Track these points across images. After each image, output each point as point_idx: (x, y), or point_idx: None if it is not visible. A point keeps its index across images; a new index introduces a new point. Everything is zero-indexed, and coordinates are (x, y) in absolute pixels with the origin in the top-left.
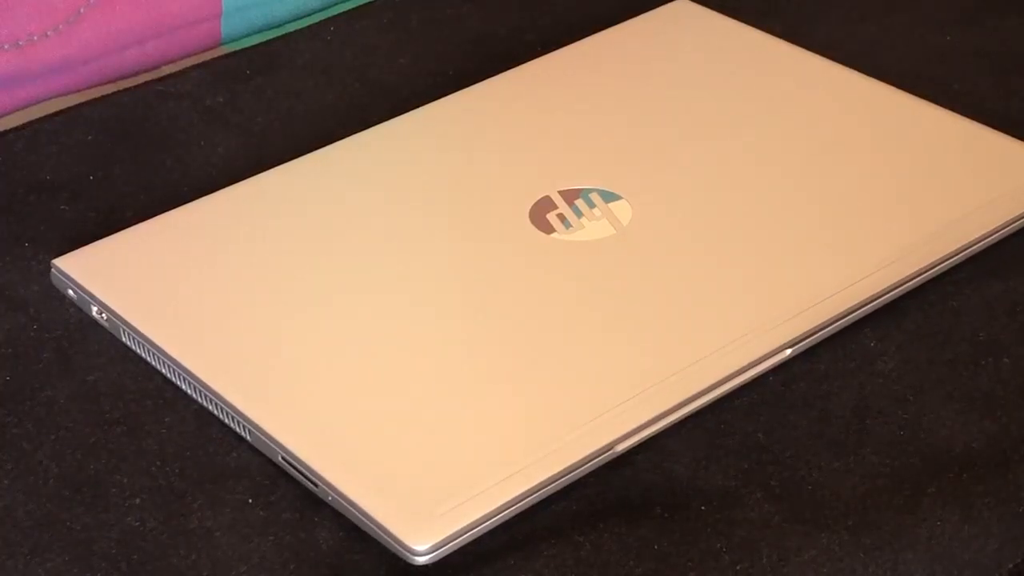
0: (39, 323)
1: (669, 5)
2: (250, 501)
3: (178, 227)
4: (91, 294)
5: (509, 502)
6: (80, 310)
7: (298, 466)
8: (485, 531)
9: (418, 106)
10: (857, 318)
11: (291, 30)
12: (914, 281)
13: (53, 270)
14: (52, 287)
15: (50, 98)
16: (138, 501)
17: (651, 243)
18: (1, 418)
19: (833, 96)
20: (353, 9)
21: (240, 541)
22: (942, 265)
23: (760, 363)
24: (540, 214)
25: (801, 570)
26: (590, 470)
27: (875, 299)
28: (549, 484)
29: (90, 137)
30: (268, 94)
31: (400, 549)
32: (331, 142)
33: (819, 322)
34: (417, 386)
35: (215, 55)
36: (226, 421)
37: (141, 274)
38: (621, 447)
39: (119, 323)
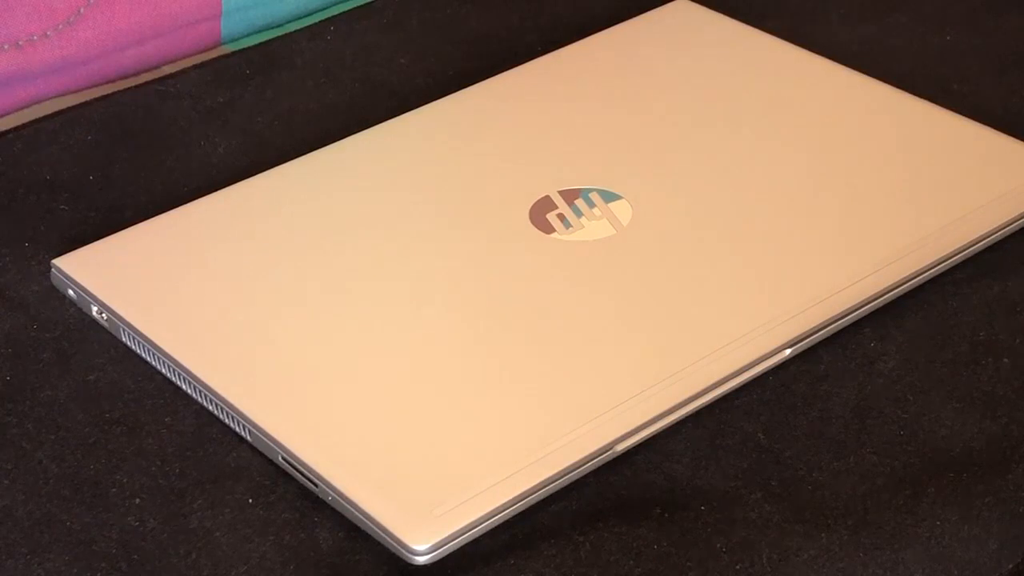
0: (39, 323)
1: (669, 5)
2: (250, 501)
3: (178, 227)
4: (91, 294)
5: (509, 502)
6: (80, 310)
7: (298, 466)
8: (485, 531)
9: (418, 106)
10: (857, 318)
11: (291, 30)
12: (914, 281)
13: (53, 270)
14: (52, 287)
15: (50, 98)
16: (138, 501)
17: (651, 243)
18: (1, 418)
19: (833, 96)
20: (353, 9)
21: (240, 541)
22: (942, 265)
23: (760, 363)
24: (540, 214)
25: (801, 570)
26: (590, 470)
27: (875, 299)
28: (549, 484)
29: (90, 137)
30: (268, 94)
31: (400, 549)
32: (331, 142)
33: (819, 322)
34: (417, 386)
35: (215, 55)
36: (226, 421)
37: (141, 274)
38: (621, 447)
39: (119, 323)
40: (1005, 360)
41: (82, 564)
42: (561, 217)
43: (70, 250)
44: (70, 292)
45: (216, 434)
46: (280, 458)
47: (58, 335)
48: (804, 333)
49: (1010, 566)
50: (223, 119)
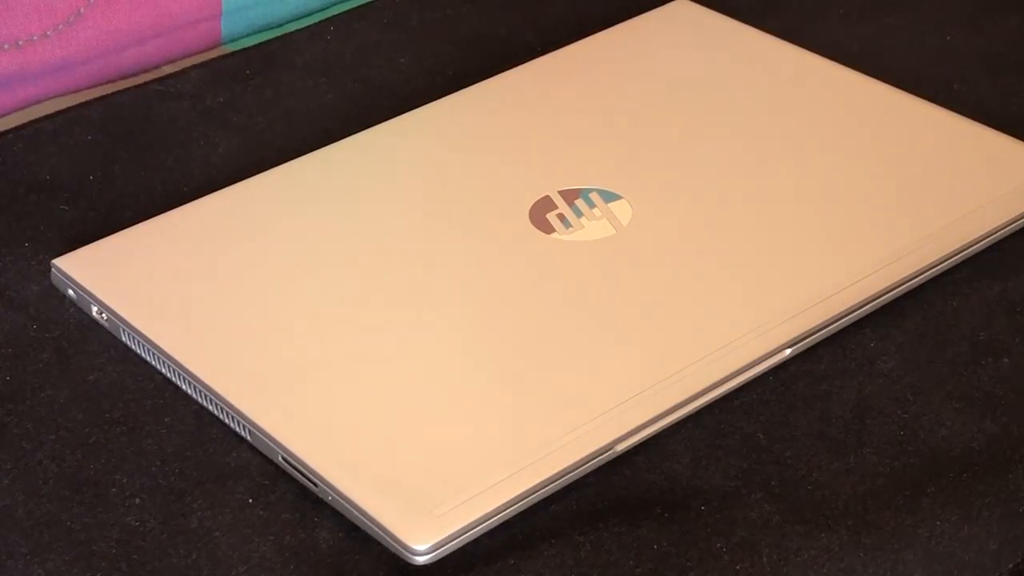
0: (39, 323)
1: (669, 5)
2: (250, 501)
3: (178, 227)
4: (91, 294)
5: (509, 502)
6: (80, 310)
7: (298, 466)
8: (485, 531)
9: (418, 106)
10: (857, 318)
11: (291, 30)
12: (914, 281)
13: (53, 270)
14: (52, 287)
15: (50, 98)
16: (138, 501)
17: (651, 243)
18: (1, 418)
19: (833, 96)
20: (353, 9)
21: (240, 541)
22: (942, 265)
23: (760, 363)
24: (540, 214)
25: (801, 570)
26: (590, 470)
27: (875, 299)
28: (549, 484)
29: (90, 137)
30: (268, 94)
31: (400, 549)
32: (331, 142)
33: (819, 322)
34: (417, 386)
35: (215, 55)
36: (226, 421)
37: (141, 274)
38: (621, 447)
39: (119, 323)
40: (1005, 360)
41: (82, 564)
42: (561, 217)
43: (70, 250)
44: (70, 292)
45: (216, 434)
46: (280, 458)
47: (58, 335)
48: (804, 333)
49: (1010, 566)
50: (223, 119)
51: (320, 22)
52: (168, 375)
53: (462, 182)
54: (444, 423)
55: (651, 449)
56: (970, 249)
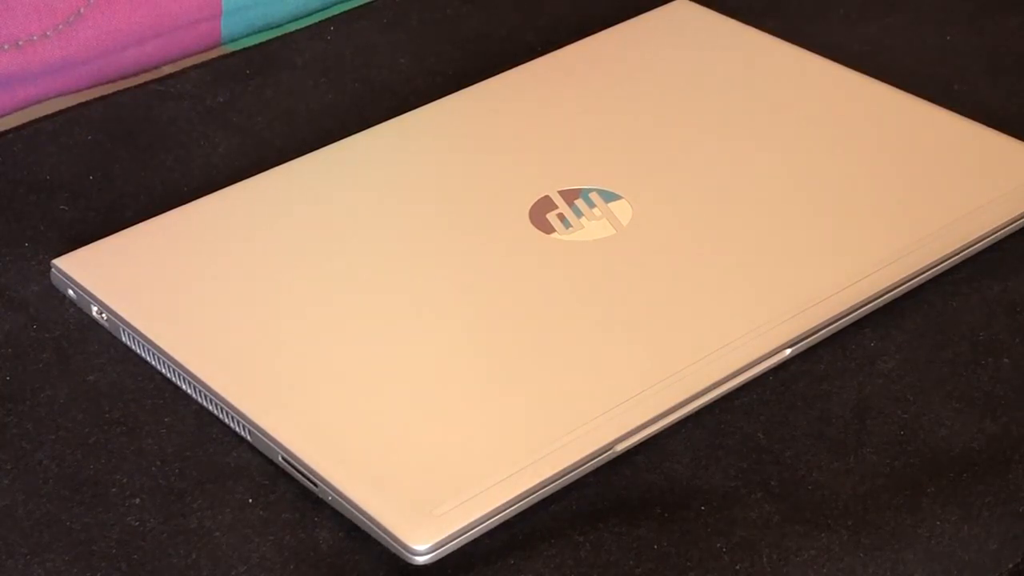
0: (39, 323)
1: (669, 5)
2: (250, 501)
3: (178, 227)
4: (91, 294)
5: (509, 502)
6: (80, 310)
7: (298, 466)
8: (485, 531)
9: (418, 106)
10: (857, 318)
11: (291, 30)
12: (914, 281)
13: (53, 270)
14: (52, 287)
15: (50, 98)
16: (138, 501)
17: (651, 243)
18: (1, 418)
19: (833, 96)
20: (353, 9)
21: (240, 541)
22: (942, 265)
23: (760, 363)
24: (540, 214)
25: (801, 570)
26: (590, 470)
27: (875, 299)
28: (549, 484)
29: (90, 137)
30: (268, 94)
31: (400, 549)
32: (331, 142)
33: (819, 322)
34: (417, 386)
35: (215, 55)
36: (226, 421)
37: (141, 274)
38: (621, 447)
39: (119, 323)
40: (1005, 360)
41: (82, 564)
42: (561, 217)
43: (70, 250)
44: (70, 292)
45: (216, 434)
46: (280, 458)
47: (58, 335)
48: (804, 333)
49: (1010, 566)
50: (223, 119)
51: (320, 22)
52: (168, 375)
53: (462, 182)
54: (444, 423)
55: (651, 449)
56: (970, 249)
